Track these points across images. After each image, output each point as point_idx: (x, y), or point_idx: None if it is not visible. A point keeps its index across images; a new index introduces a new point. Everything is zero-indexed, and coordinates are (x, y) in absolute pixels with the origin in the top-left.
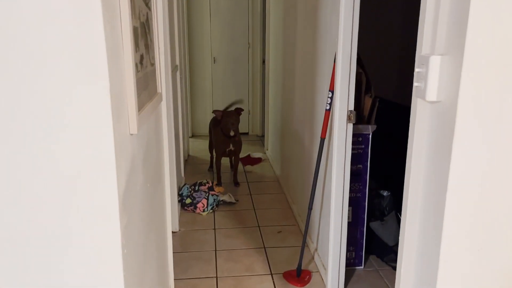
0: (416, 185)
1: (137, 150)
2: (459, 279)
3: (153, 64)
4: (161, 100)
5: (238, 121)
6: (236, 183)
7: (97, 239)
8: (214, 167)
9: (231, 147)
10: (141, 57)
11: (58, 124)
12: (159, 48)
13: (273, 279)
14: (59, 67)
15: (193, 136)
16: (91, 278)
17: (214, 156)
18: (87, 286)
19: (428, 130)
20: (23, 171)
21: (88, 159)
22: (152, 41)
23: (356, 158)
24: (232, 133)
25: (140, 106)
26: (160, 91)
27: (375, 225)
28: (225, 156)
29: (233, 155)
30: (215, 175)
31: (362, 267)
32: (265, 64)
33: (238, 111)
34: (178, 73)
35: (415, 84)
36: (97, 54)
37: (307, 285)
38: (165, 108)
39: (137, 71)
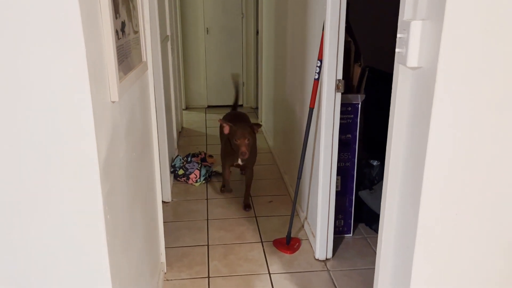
0: (397, 153)
1: (119, 117)
2: (437, 243)
3: (136, 32)
4: (146, 69)
5: (253, 141)
6: (247, 206)
7: (80, 206)
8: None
9: (240, 162)
10: (123, 24)
11: (36, 91)
12: (143, 16)
13: (263, 246)
14: (33, 33)
15: (187, 108)
16: (75, 241)
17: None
18: (71, 249)
19: (410, 97)
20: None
21: (67, 125)
22: (135, 8)
23: (345, 128)
24: (243, 157)
25: (122, 74)
26: (145, 60)
27: (364, 194)
28: (233, 167)
29: (244, 169)
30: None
31: (351, 235)
32: (258, 35)
33: (254, 128)
34: (169, 44)
35: (397, 50)
36: (71, 19)
37: (296, 252)
38: (151, 77)
39: (117, 38)
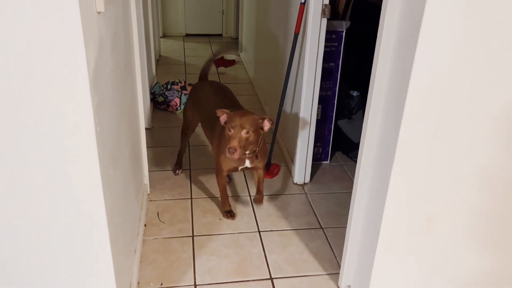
0: (381, 77)
1: (105, 30)
2: (414, 162)
3: None
4: None
5: (255, 136)
6: (259, 201)
7: (71, 116)
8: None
9: (248, 164)
10: None
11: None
12: None
13: (244, 171)
14: None
15: (164, 36)
16: (66, 151)
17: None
18: (63, 159)
19: (398, 19)
20: None
21: (55, 34)
22: None
23: (329, 56)
24: (230, 154)
25: None
26: None
27: (342, 123)
28: (233, 171)
29: (254, 170)
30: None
31: (328, 161)
32: None
33: (264, 121)
34: None
35: None
36: None
37: (276, 177)
38: None
39: None
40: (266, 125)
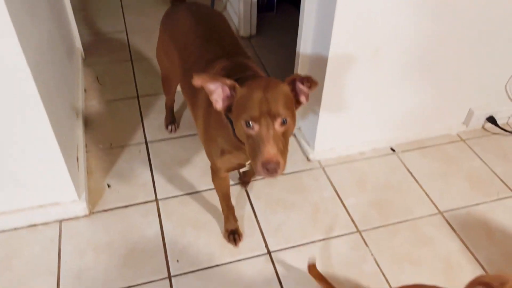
0: None
1: None
2: None
3: None
4: None
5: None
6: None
7: None
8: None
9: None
10: None
11: None
12: None
13: None
14: None
15: None
16: None
17: (217, 169)
18: None
19: None
20: None
21: None
22: None
23: None
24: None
25: None
26: None
27: None
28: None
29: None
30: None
31: (274, 12)
32: None
33: (306, 80)
34: None
35: None
36: None
37: None
38: None
39: None
40: (304, 93)
